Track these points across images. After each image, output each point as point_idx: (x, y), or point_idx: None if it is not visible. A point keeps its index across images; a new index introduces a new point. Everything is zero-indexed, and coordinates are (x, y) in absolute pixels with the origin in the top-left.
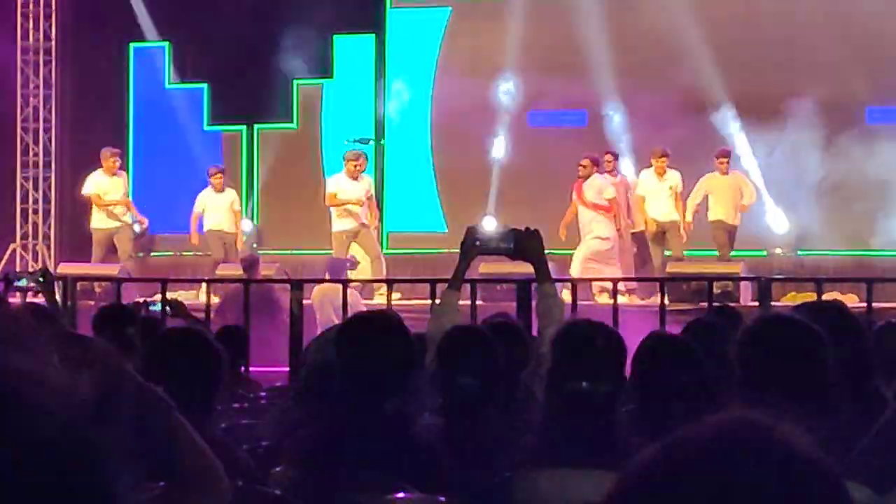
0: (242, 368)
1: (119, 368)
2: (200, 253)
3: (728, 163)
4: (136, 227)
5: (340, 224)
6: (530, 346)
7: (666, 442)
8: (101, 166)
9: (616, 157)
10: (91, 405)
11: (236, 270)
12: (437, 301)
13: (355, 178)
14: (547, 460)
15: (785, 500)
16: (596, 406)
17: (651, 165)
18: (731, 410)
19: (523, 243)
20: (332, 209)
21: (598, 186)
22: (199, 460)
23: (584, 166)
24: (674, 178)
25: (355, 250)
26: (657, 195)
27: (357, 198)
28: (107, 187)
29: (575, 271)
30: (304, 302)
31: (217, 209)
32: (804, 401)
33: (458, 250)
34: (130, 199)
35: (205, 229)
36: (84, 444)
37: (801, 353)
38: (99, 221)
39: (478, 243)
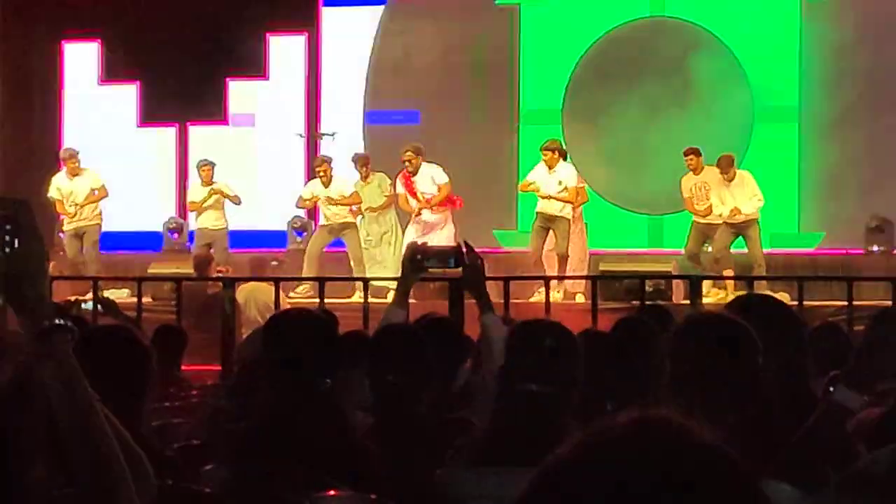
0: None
1: (34, 359)
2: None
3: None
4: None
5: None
6: (465, 344)
7: (577, 439)
8: (60, 168)
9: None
10: (3, 394)
11: (172, 268)
12: (384, 317)
13: (326, 186)
14: (491, 459)
15: (693, 495)
16: (544, 407)
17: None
18: (650, 408)
19: (466, 273)
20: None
21: (430, 175)
22: (125, 457)
23: (410, 160)
24: (564, 171)
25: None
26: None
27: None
28: (70, 187)
29: None
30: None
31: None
32: (732, 398)
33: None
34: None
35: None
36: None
37: (730, 349)
38: (68, 223)
39: (419, 258)
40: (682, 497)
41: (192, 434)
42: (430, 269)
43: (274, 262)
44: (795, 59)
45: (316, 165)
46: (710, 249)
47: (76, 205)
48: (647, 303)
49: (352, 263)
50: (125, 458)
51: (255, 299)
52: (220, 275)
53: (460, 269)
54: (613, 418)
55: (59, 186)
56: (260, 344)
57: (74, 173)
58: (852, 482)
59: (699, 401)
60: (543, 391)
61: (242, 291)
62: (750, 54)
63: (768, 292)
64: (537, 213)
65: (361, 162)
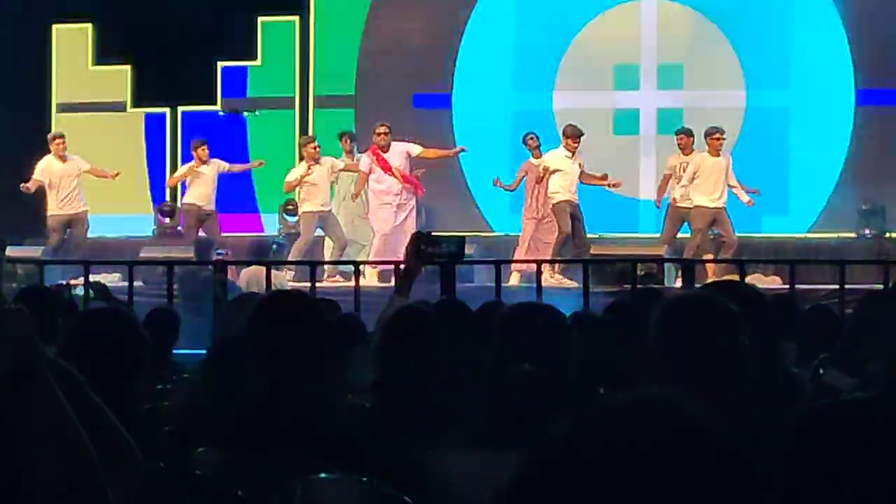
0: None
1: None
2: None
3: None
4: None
5: (306, 205)
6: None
7: (572, 420)
8: (48, 151)
9: (537, 137)
10: (4, 378)
11: (163, 252)
12: (386, 306)
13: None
14: (483, 440)
15: (684, 472)
16: (537, 388)
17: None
18: (642, 389)
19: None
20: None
21: (404, 151)
22: (113, 440)
23: (386, 133)
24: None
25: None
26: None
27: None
28: (59, 172)
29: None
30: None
31: (201, 183)
32: (717, 380)
33: None
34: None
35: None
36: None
37: (715, 332)
38: (53, 207)
39: (423, 248)
40: (676, 475)
41: (182, 417)
42: (437, 259)
43: (274, 246)
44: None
45: (304, 143)
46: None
47: (69, 189)
48: (639, 286)
49: (335, 250)
50: (113, 442)
51: (258, 283)
52: (221, 258)
53: (464, 256)
54: (607, 399)
55: (50, 170)
56: (239, 321)
57: (63, 157)
58: None
59: (686, 381)
60: (536, 372)
61: (245, 275)
62: (744, 38)
63: (761, 275)
64: (568, 200)
65: (349, 138)
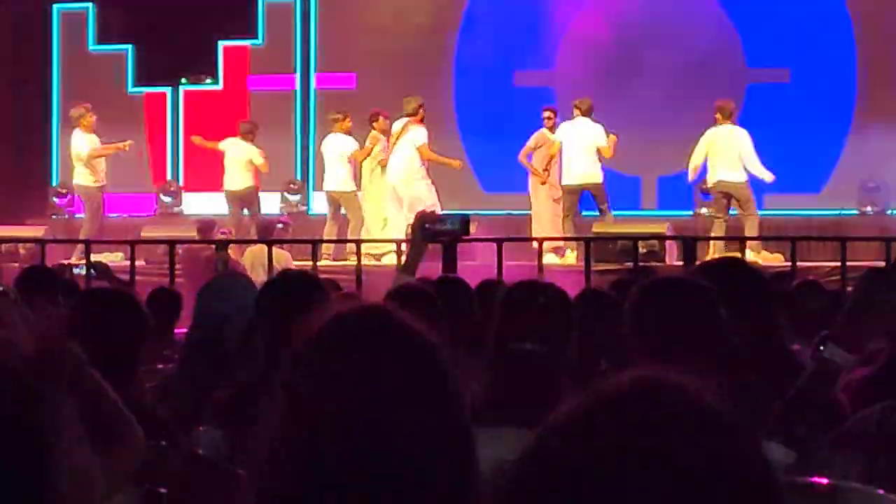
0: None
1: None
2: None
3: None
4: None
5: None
6: (473, 301)
7: (578, 399)
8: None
9: (556, 112)
10: (34, 361)
11: (165, 232)
12: (392, 284)
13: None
14: (486, 419)
15: (695, 452)
16: (539, 366)
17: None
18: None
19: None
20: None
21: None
22: (114, 418)
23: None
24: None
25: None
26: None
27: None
28: (96, 144)
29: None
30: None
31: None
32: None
33: None
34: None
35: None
36: (29, 391)
37: (691, 313)
38: (87, 179)
39: (428, 227)
40: (685, 456)
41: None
42: (440, 236)
43: (279, 225)
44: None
45: (341, 118)
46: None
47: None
48: (641, 264)
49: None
50: (113, 420)
51: (262, 263)
52: (224, 237)
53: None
54: (613, 378)
55: (92, 142)
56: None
57: (92, 129)
58: (843, 440)
59: (665, 362)
60: (538, 350)
61: (249, 255)
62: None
63: (765, 253)
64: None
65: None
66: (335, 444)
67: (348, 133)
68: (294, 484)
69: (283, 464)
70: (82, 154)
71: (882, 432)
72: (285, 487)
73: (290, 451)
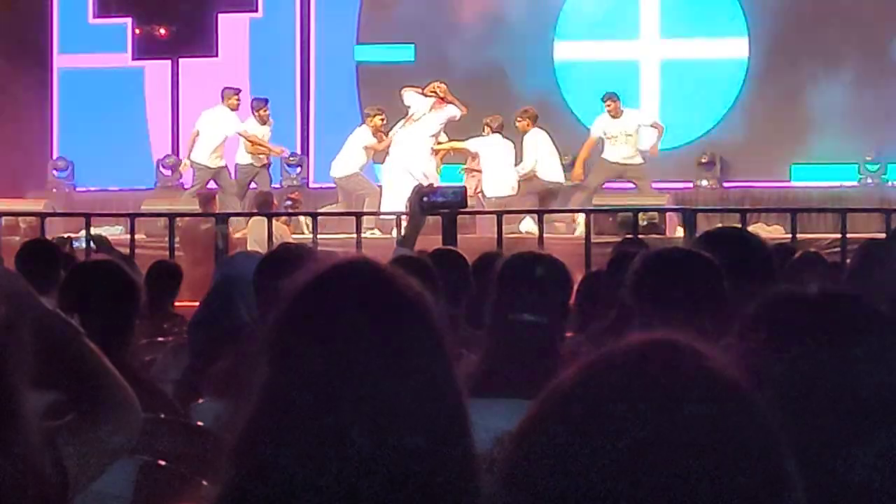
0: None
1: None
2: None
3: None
4: None
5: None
6: (469, 274)
7: (581, 364)
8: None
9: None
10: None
11: (165, 205)
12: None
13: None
14: (485, 389)
15: (701, 417)
16: (538, 337)
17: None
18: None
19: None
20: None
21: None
22: (111, 390)
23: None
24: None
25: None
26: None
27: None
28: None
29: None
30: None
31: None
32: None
33: None
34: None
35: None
36: None
37: (693, 283)
38: (213, 159)
39: (426, 199)
40: (691, 419)
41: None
42: (438, 209)
43: (288, 203)
44: None
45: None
46: None
47: None
48: (640, 236)
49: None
50: (111, 393)
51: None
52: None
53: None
54: (617, 344)
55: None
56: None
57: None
58: None
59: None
60: (536, 321)
61: (250, 228)
62: None
63: (763, 225)
64: None
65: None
66: (320, 400)
67: (377, 130)
68: (274, 446)
69: (264, 426)
70: (248, 133)
71: None
72: (265, 448)
73: (272, 412)
